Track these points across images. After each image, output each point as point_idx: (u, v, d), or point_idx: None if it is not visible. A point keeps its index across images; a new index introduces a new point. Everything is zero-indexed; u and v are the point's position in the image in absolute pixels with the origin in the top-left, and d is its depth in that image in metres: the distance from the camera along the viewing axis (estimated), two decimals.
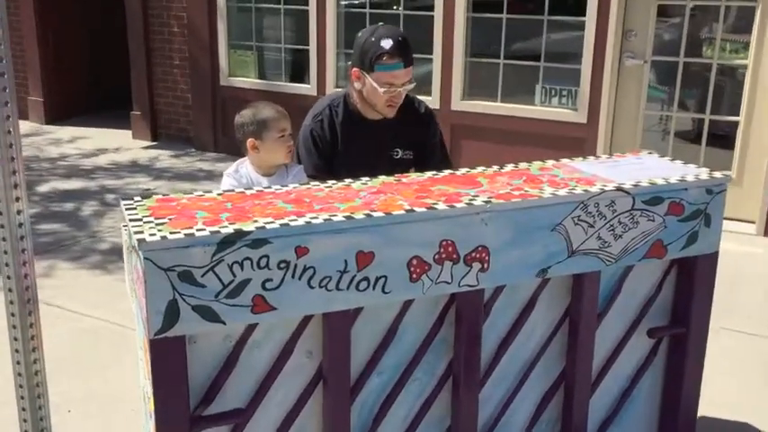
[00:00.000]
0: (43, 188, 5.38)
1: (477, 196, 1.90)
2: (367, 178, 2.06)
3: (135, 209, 1.77)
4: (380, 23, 2.55)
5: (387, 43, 2.42)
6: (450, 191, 1.95)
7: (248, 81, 6.39)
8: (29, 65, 7.66)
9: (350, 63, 2.60)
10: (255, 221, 1.69)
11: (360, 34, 2.54)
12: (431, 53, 5.48)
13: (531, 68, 5.27)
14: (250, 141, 2.40)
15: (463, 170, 2.15)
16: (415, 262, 1.80)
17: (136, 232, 1.61)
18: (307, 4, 5.90)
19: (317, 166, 2.59)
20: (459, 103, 5.48)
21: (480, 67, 5.48)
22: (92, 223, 4.65)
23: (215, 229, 1.64)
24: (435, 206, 1.82)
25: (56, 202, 5.06)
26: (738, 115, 4.77)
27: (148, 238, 1.57)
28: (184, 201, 1.84)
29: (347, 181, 2.04)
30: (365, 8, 5.72)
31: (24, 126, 7.53)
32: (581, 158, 2.30)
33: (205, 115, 6.66)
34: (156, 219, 1.70)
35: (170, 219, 1.70)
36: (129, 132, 7.09)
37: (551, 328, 2.10)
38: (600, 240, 1.99)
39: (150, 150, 6.70)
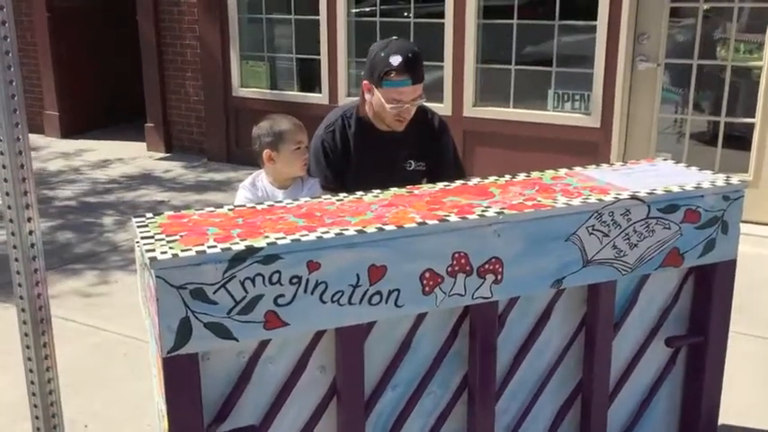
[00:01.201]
0: (59, 202, 5.42)
1: (489, 207, 1.88)
2: (378, 191, 2.05)
3: (146, 226, 1.77)
4: (393, 37, 2.53)
5: (395, 60, 2.41)
6: (462, 202, 1.93)
7: (260, 91, 6.41)
8: (44, 79, 7.73)
9: (362, 74, 2.60)
10: (267, 237, 1.68)
11: (372, 47, 2.53)
12: (442, 60, 5.47)
13: (543, 74, 5.24)
14: (266, 153, 2.40)
15: (475, 180, 2.14)
16: (427, 275, 1.79)
17: (147, 250, 1.61)
18: (317, 14, 5.91)
19: (326, 177, 2.58)
20: (470, 110, 5.46)
21: (492, 73, 5.46)
22: (106, 236, 4.67)
23: (226, 245, 1.63)
24: (447, 218, 1.81)
25: (72, 215, 5.09)
26: (754, 117, 4.72)
27: (160, 257, 1.57)
28: (195, 217, 1.83)
29: (358, 194, 2.03)
30: (375, 17, 5.72)
31: (40, 140, 7.60)
32: (594, 166, 2.28)
33: (218, 126, 6.68)
34: (167, 236, 1.69)
35: (181, 236, 1.70)
36: (144, 144, 7.13)
37: (567, 339, 2.07)
38: (615, 250, 1.96)
39: (164, 162, 6.73)
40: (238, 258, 1.61)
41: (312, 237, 1.69)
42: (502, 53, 5.35)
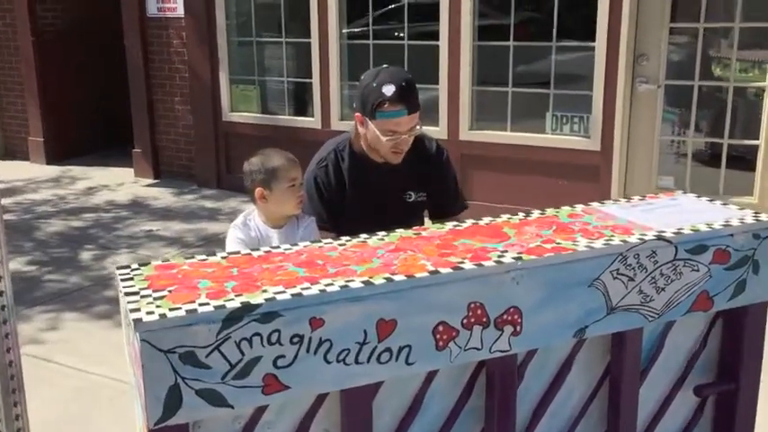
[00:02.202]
0: (43, 232, 5.23)
1: (505, 252, 1.73)
2: (383, 233, 1.89)
3: (131, 279, 1.61)
4: (384, 66, 2.40)
5: (388, 89, 2.27)
6: (475, 246, 1.78)
7: (251, 116, 6.27)
8: (29, 105, 7.56)
9: (354, 106, 2.46)
10: (264, 291, 1.53)
11: (363, 77, 2.39)
12: (437, 83, 5.35)
13: (541, 96, 5.13)
14: (258, 191, 2.25)
15: (487, 219, 1.99)
16: (441, 328, 1.63)
17: (132, 309, 1.45)
18: (309, 36, 5.79)
19: (320, 215, 2.43)
20: (467, 133, 5.34)
21: (488, 95, 5.35)
22: (92, 269, 4.49)
23: (220, 302, 1.47)
24: (461, 265, 1.66)
25: (56, 248, 4.91)
26: (758, 138, 4.61)
27: (146, 318, 1.41)
28: (185, 267, 1.67)
29: (362, 237, 1.87)
30: (368, 39, 5.60)
31: (25, 167, 7.43)
32: (611, 202, 2.14)
33: (207, 151, 6.53)
34: (154, 291, 1.53)
35: (170, 291, 1.53)
36: (132, 170, 6.97)
37: (590, 390, 1.92)
38: (641, 295, 1.81)
39: (152, 188, 6.57)
40: (233, 317, 1.45)
41: (314, 290, 1.53)
42: (498, 75, 5.24)
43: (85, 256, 4.75)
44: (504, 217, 2.01)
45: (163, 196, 6.28)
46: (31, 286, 4.16)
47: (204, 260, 1.72)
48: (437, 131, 5.27)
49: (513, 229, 1.90)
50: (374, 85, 2.32)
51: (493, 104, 5.35)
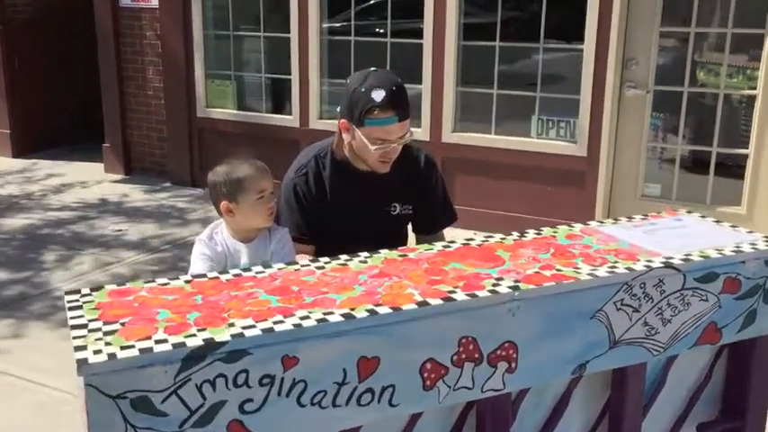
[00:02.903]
0: (4, 231, 4.98)
1: (500, 279, 1.57)
2: (366, 254, 1.72)
3: (80, 308, 1.42)
4: (372, 69, 2.21)
5: (378, 95, 2.09)
6: (467, 271, 1.62)
7: (227, 112, 6.06)
8: None
9: (338, 110, 2.28)
10: (231, 325, 1.35)
11: (348, 81, 2.21)
12: (420, 83, 5.18)
13: (527, 99, 4.98)
14: (224, 205, 2.06)
15: (479, 240, 1.82)
16: (429, 366, 1.46)
17: (77, 347, 1.26)
18: (288, 31, 5.59)
19: (299, 227, 2.25)
20: (450, 135, 5.18)
21: (472, 97, 5.19)
22: (55, 274, 4.25)
23: (179, 339, 1.29)
24: (453, 296, 1.49)
25: (16, 249, 4.67)
26: (747, 147, 4.51)
27: (92, 358, 1.22)
28: (144, 293, 1.49)
29: (343, 258, 1.70)
30: (350, 35, 5.42)
31: None
32: (612, 221, 1.99)
33: (181, 148, 6.31)
34: (105, 323, 1.35)
35: (123, 323, 1.35)
36: (101, 165, 6.71)
37: (589, 427, 1.77)
38: (647, 327, 1.66)
39: (122, 185, 6.32)
40: (195, 357, 1.27)
41: (288, 324, 1.36)
42: (483, 76, 5.09)
43: (49, 257, 4.51)
44: (498, 237, 1.85)
45: (133, 194, 6.04)
46: None
47: (166, 285, 1.54)
48: (419, 133, 5.10)
49: (507, 252, 1.74)
50: (362, 89, 2.14)
51: (477, 106, 5.19)
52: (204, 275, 1.60)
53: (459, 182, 5.17)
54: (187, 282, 1.55)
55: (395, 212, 2.32)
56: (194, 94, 6.13)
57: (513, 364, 1.54)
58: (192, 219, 5.30)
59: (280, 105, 5.93)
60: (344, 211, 2.28)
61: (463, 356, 1.49)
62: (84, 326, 1.34)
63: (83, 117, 7.37)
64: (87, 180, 6.43)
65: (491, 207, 5.10)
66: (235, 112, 6.04)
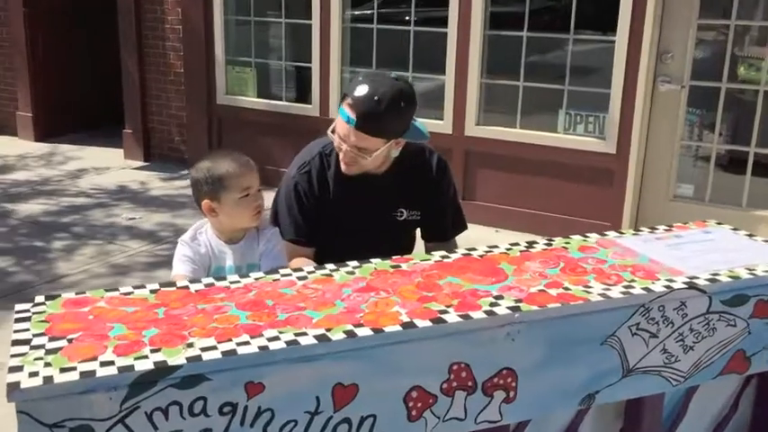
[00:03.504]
0: (16, 217, 4.92)
1: (500, 297, 1.40)
2: (355, 264, 1.56)
3: (29, 319, 1.28)
4: (392, 73, 2.03)
5: (360, 89, 1.93)
6: (463, 287, 1.45)
7: (247, 100, 5.93)
8: (19, 78, 7.23)
9: None
10: (190, 345, 1.20)
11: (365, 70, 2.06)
12: (443, 73, 4.99)
13: (554, 92, 4.76)
14: (205, 204, 1.91)
15: (481, 250, 1.66)
16: (415, 394, 1.31)
17: (12, 368, 1.12)
18: (310, 18, 5.43)
19: (299, 229, 2.09)
20: (473, 129, 4.98)
21: (498, 89, 4.98)
22: (59, 264, 4.16)
23: (128, 361, 1.15)
24: (444, 316, 1.33)
25: (24, 236, 4.59)
26: None
27: (25, 382, 1.09)
28: (102, 304, 1.35)
29: (328, 268, 1.54)
30: (372, 23, 5.24)
31: (12, 143, 7.12)
32: (632, 232, 1.80)
33: (200, 135, 6.20)
34: (50, 340, 1.21)
35: (70, 340, 1.21)
36: (121, 151, 6.64)
37: None
38: (665, 354, 1.49)
39: (141, 172, 6.24)
40: (144, 382, 1.13)
41: (254, 346, 1.21)
42: (509, 67, 4.87)
43: (54, 248, 4.42)
44: (503, 247, 1.68)
45: (150, 182, 5.95)
46: None
47: (128, 294, 1.40)
48: (441, 125, 4.92)
49: (511, 265, 1.57)
50: (360, 77, 1.99)
51: (502, 99, 4.97)
52: (173, 284, 1.45)
53: (481, 177, 4.98)
54: (153, 291, 1.41)
55: (401, 218, 2.15)
56: (214, 81, 6.01)
57: (512, 394, 1.38)
58: None
59: (300, 94, 5.78)
60: (348, 214, 2.12)
61: (454, 384, 1.33)
62: (26, 341, 1.21)
63: (105, 102, 7.31)
64: (106, 166, 6.36)
65: (513, 204, 4.90)
66: (255, 99, 5.91)
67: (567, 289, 1.45)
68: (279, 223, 2.12)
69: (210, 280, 1.48)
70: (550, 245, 1.69)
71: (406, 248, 2.29)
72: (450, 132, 4.93)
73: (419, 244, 2.31)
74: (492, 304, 1.37)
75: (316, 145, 2.19)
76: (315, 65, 5.48)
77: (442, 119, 4.98)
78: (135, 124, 6.58)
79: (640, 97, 4.45)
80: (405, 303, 1.37)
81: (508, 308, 1.36)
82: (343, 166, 2.05)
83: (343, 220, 2.12)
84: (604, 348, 1.43)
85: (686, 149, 4.60)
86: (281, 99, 5.84)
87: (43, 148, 6.96)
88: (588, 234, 1.76)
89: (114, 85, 6.75)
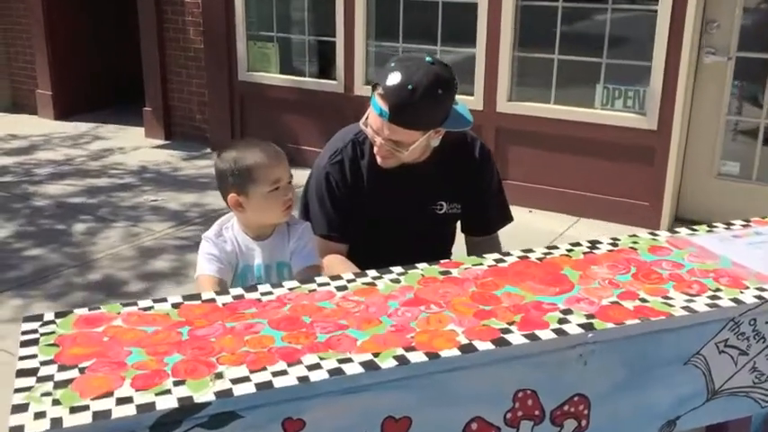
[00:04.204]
0: (38, 199, 4.82)
1: (568, 312, 1.23)
2: (400, 270, 1.39)
3: (35, 343, 1.13)
4: (428, 58, 1.81)
5: (392, 78, 1.74)
6: (525, 298, 1.28)
7: (269, 76, 5.75)
8: (38, 55, 7.12)
9: None
10: (219, 375, 1.04)
11: (402, 54, 1.87)
12: (473, 46, 4.77)
13: (591, 65, 4.53)
14: (232, 197, 1.74)
15: (539, 252, 1.48)
16: (475, 426, 1.14)
17: (15, 407, 0.97)
18: None
19: (331, 223, 1.93)
20: (505, 105, 4.77)
21: (531, 62, 4.75)
22: (82, 247, 4.04)
23: (148, 398, 0.99)
24: (507, 336, 1.16)
25: (48, 218, 4.48)
26: None
27: (30, 426, 0.94)
28: (118, 323, 1.19)
29: (370, 275, 1.38)
30: None
31: (32, 122, 7.02)
32: (705, 229, 1.61)
33: (222, 113, 6.04)
34: (59, 369, 1.06)
35: (82, 369, 1.06)
36: (142, 130, 6.52)
37: None
38: (755, 373, 1.31)
39: (162, 151, 6.11)
40: (167, 422, 0.98)
41: (291, 377, 1.05)
42: (544, 39, 4.64)
43: (78, 228, 4.31)
44: (563, 248, 1.50)
45: (173, 161, 5.82)
46: (3, 265, 3.74)
47: (148, 310, 1.24)
48: (471, 101, 4.72)
49: (576, 271, 1.39)
50: (392, 63, 1.79)
51: (536, 72, 4.75)
52: (197, 297, 1.29)
53: (513, 155, 4.78)
54: (175, 306, 1.25)
55: (441, 211, 1.98)
56: (235, 57, 5.84)
57: (584, 423, 1.21)
58: None
59: (324, 69, 5.59)
60: (383, 208, 1.94)
61: (519, 414, 1.16)
62: (33, 372, 1.05)
63: (125, 80, 7.17)
64: (127, 145, 6.24)
65: (547, 183, 4.70)
66: (277, 75, 5.73)
67: (644, 301, 1.27)
68: (309, 217, 1.95)
69: (240, 291, 1.31)
70: (616, 245, 1.51)
71: (446, 244, 2.12)
72: (481, 109, 4.73)
73: (459, 238, 2.14)
74: (560, 321, 1.20)
75: (348, 132, 2.01)
76: (339, 39, 5.29)
77: (472, 94, 4.77)
78: (155, 102, 6.44)
79: (684, 70, 4.21)
80: (460, 320, 1.21)
81: (579, 325, 1.19)
82: (378, 160, 1.88)
83: (377, 213, 1.95)
84: (688, 369, 1.25)
85: (732, 125, 4.36)
86: (304, 75, 5.65)
87: (64, 126, 6.87)
88: (657, 232, 1.57)
89: (134, 62, 6.61)
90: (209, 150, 6.07)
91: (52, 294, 3.45)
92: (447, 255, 2.14)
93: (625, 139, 4.45)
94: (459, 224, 2.10)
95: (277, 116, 5.73)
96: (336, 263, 1.90)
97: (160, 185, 5.17)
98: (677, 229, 1.59)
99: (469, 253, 2.09)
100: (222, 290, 1.71)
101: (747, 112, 4.36)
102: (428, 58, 1.81)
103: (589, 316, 1.22)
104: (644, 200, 4.46)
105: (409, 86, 1.72)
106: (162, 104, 6.41)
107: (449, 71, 1.82)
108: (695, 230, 1.59)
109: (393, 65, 1.77)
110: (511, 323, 1.19)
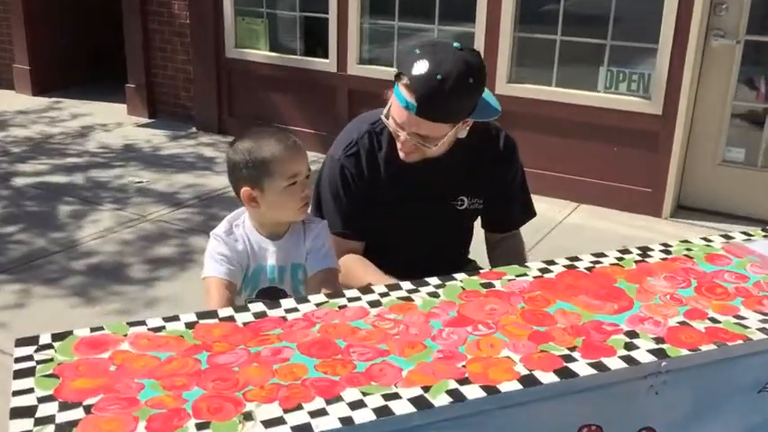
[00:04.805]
0: (19, 179, 4.60)
1: (634, 335, 1.10)
2: (437, 282, 1.25)
3: (31, 373, 0.98)
4: (455, 44, 1.63)
5: (419, 68, 1.57)
6: (582, 318, 1.15)
7: (258, 53, 5.53)
8: (14, 27, 6.82)
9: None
10: (248, 416, 0.90)
11: (422, 40, 1.69)
12: (473, 24, 4.60)
13: (595, 47, 4.38)
14: (245, 191, 1.58)
15: (587, 261, 1.34)
16: None
17: None
18: None
19: (347, 220, 1.77)
20: (505, 87, 4.61)
21: (532, 43, 4.59)
22: (68, 230, 3.86)
23: None
24: (571, 366, 1.02)
25: (31, 200, 4.28)
26: None
27: None
28: (126, 347, 1.04)
29: (404, 288, 1.23)
30: None
31: (9, 97, 6.75)
32: (761, 234, 1.49)
33: (208, 91, 5.83)
34: (61, 407, 0.91)
35: (88, 408, 0.91)
36: (125, 107, 6.29)
37: None
38: None
39: (146, 130, 5.89)
40: None
41: (332, 418, 0.90)
42: (546, 19, 4.48)
43: (65, 210, 4.11)
44: (612, 256, 1.36)
45: (157, 140, 5.60)
46: None
47: (158, 330, 1.09)
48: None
49: (631, 284, 1.26)
50: (416, 50, 1.62)
51: (537, 53, 4.59)
52: (213, 314, 1.14)
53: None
54: (189, 326, 1.10)
55: (461, 207, 1.83)
56: (222, 33, 5.61)
57: None
58: (219, 170, 4.84)
59: (316, 47, 5.39)
60: (401, 203, 1.79)
61: None
62: (30, 411, 0.90)
63: (108, 55, 6.91)
64: (109, 123, 6.01)
65: (548, 168, 4.57)
66: (266, 53, 5.52)
67: (714, 321, 1.14)
68: (323, 214, 1.80)
69: (261, 308, 1.16)
70: (669, 252, 1.38)
71: (465, 241, 1.99)
72: None
73: (478, 233, 2.01)
74: (627, 346, 1.07)
75: (363, 120, 1.85)
76: (332, 15, 5.08)
77: None
78: (138, 78, 6.20)
79: (691, 53, 4.07)
80: (515, 344, 1.07)
81: (649, 351, 1.06)
82: (401, 155, 1.72)
83: (395, 209, 1.80)
84: (762, 397, 1.13)
85: (738, 111, 4.25)
86: (294, 53, 5.44)
87: (43, 102, 6.60)
88: (710, 237, 1.44)
89: (117, 37, 6.36)
90: (194, 129, 5.86)
91: (45, 279, 3.27)
92: (465, 252, 2.01)
93: (628, 123, 4.32)
94: (478, 220, 1.96)
95: (265, 95, 5.53)
96: (354, 263, 1.75)
97: (146, 166, 4.97)
98: (730, 234, 1.46)
99: (490, 251, 1.96)
100: (232, 293, 1.57)
101: (756, 97, 4.25)
102: (456, 44, 1.65)
103: (658, 340, 1.08)
104: (646, 186, 4.35)
105: (438, 76, 1.56)
106: (145, 81, 6.17)
107: (478, 57, 1.67)
108: (750, 236, 1.46)
109: (418, 52, 1.61)
110: (572, 348, 1.06)
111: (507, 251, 1.92)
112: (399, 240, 1.82)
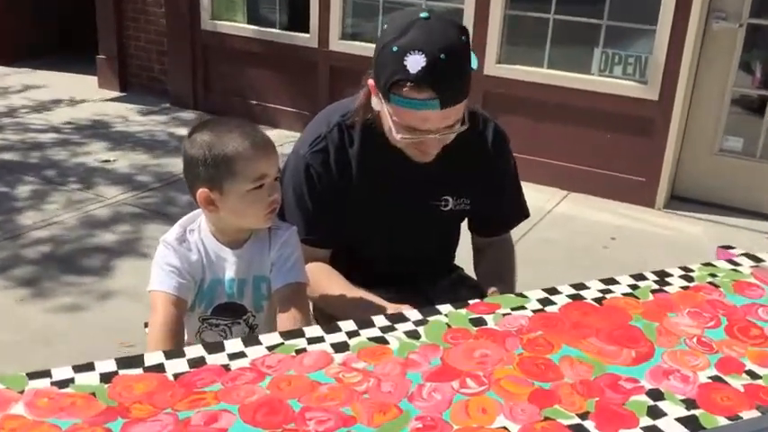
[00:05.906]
0: None
1: (659, 397, 0.89)
2: (416, 316, 1.03)
3: None
4: (423, 15, 1.40)
5: (414, 63, 1.32)
6: (593, 369, 0.94)
7: (235, 26, 5.26)
8: None
9: (369, 70, 1.52)
10: None
11: (384, 30, 1.44)
12: (461, 2, 4.37)
13: (590, 27, 4.16)
14: (201, 193, 1.34)
15: (595, 290, 1.13)
16: None
17: None
18: None
19: (311, 223, 1.54)
20: (494, 67, 4.39)
21: (524, 22, 4.36)
22: (26, 213, 3.60)
23: None
24: None
25: None
26: None
27: None
28: (20, 410, 0.81)
29: (378, 324, 1.02)
30: None
31: None
32: None
33: (183, 65, 5.55)
34: None
35: None
36: (95, 79, 5.99)
37: None
38: None
39: (117, 104, 5.60)
40: None
41: None
42: None
43: (22, 192, 3.85)
44: (624, 284, 1.15)
45: (128, 115, 5.32)
46: None
47: (66, 385, 0.86)
48: None
49: (650, 322, 1.05)
50: (394, 48, 1.38)
51: (529, 33, 4.37)
52: (138, 361, 0.91)
53: (501, 123, 4.41)
54: (105, 379, 0.87)
55: (446, 208, 1.61)
56: (198, 3, 5.34)
57: None
58: None
59: (296, 21, 5.12)
60: (377, 205, 1.57)
61: None
62: None
63: (78, 24, 6.58)
64: (77, 96, 5.71)
65: (537, 154, 4.36)
66: (245, 26, 5.25)
67: (753, 376, 0.93)
68: (285, 218, 1.56)
69: (200, 351, 0.94)
70: (691, 279, 1.17)
71: (451, 246, 1.77)
72: None
73: (464, 237, 1.79)
74: (651, 411, 0.86)
75: (332, 112, 1.61)
76: None
77: None
78: (109, 50, 5.90)
79: (691, 36, 3.86)
80: (511, 409, 0.86)
81: (679, 420, 0.85)
82: (419, 157, 1.49)
83: (369, 212, 1.57)
84: None
85: (738, 98, 4.05)
86: (274, 26, 5.17)
87: (4, 74, 6.29)
88: (736, 259, 1.24)
89: (87, 5, 6.05)
90: (168, 105, 5.59)
91: None
92: (450, 259, 1.80)
93: (624, 108, 4.12)
94: (464, 222, 1.75)
95: (243, 70, 5.27)
96: (318, 273, 1.53)
97: (114, 143, 4.70)
98: (758, 256, 1.26)
99: (476, 256, 1.75)
100: (180, 311, 1.35)
101: (758, 84, 4.05)
102: (423, 14, 1.42)
103: (689, 404, 0.88)
104: (640, 175, 4.16)
105: (441, 56, 1.34)
106: (117, 53, 5.88)
107: (447, 15, 1.47)
108: None
109: (396, 48, 1.37)
110: (583, 415, 0.85)
111: (495, 258, 1.71)
112: (375, 247, 1.59)
